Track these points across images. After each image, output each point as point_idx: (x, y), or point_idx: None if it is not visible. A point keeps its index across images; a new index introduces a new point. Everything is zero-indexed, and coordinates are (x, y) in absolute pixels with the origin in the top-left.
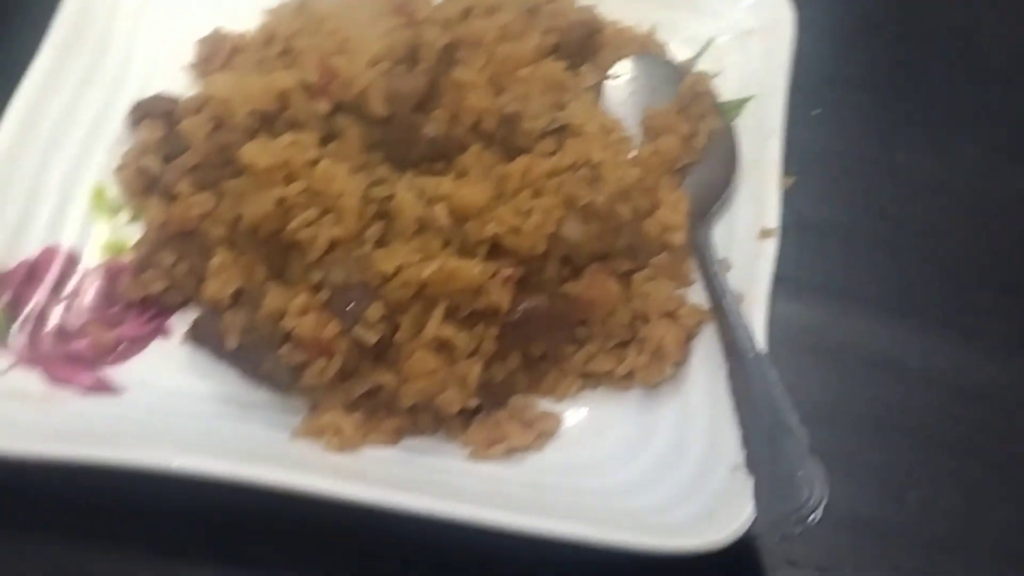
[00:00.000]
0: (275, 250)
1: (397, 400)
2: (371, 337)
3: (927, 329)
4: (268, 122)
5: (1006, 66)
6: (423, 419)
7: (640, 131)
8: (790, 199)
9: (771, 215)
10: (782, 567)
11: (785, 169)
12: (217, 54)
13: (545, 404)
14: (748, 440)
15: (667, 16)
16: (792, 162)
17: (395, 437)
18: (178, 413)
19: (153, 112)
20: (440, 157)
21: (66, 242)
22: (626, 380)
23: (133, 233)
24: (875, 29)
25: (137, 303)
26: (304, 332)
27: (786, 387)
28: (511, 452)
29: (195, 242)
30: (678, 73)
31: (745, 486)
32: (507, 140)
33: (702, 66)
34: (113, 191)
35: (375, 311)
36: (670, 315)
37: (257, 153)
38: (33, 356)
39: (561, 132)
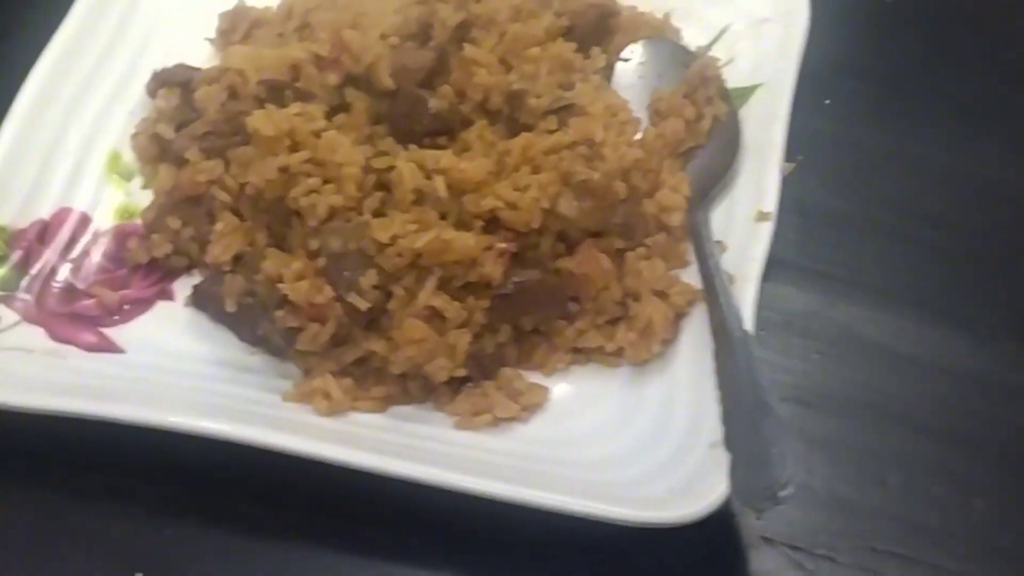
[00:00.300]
0: (277, 217)
1: (387, 367)
2: (363, 304)
3: (919, 316)
4: (279, 92)
5: (1021, 60)
6: (412, 387)
7: (647, 114)
8: (794, 185)
9: (769, 199)
10: (756, 543)
11: (792, 156)
12: (238, 27)
13: (534, 378)
14: (728, 418)
15: (683, 2)
16: (801, 149)
17: (383, 404)
18: (176, 373)
19: (171, 81)
20: (444, 132)
21: (79, 205)
22: (615, 356)
23: (145, 199)
24: (891, 20)
25: (143, 266)
26: (298, 297)
27: (775, 368)
28: (496, 423)
29: (202, 208)
30: (689, 58)
31: (722, 463)
32: (511, 117)
33: (715, 53)
34: (129, 157)
35: (369, 279)
36: (661, 294)
37: (263, 121)
38: (40, 313)
39: (566, 111)
